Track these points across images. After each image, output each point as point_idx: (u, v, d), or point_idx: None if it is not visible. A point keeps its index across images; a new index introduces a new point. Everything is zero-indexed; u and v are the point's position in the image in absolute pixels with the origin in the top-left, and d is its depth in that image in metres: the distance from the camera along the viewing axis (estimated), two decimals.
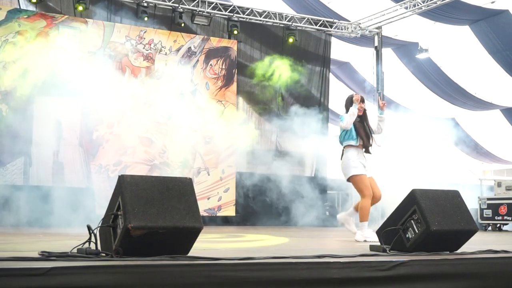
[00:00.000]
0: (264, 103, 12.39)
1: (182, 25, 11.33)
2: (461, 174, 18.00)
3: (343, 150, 6.17)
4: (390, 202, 13.02)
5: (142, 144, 10.90)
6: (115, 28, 10.88)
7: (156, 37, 11.21)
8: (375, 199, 6.08)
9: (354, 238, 5.95)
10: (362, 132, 6.12)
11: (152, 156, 10.96)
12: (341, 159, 6.19)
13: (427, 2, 11.66)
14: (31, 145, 9.95)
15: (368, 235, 5.79)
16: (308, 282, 2.86)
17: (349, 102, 6.22)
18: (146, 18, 10.95)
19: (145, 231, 2.92)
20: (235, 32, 11.84)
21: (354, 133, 6.08)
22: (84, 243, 3.05)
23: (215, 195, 11.46)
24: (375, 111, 6.29)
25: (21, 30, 10.01)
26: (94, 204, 9.82)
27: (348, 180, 6.11)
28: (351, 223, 6.20)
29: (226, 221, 11.43)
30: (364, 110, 6.25)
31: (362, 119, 6.24)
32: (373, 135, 6.25)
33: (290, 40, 12.34)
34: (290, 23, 12.42)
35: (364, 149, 6.14)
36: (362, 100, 6.22)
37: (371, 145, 6.18)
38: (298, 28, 12.57)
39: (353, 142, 6.07)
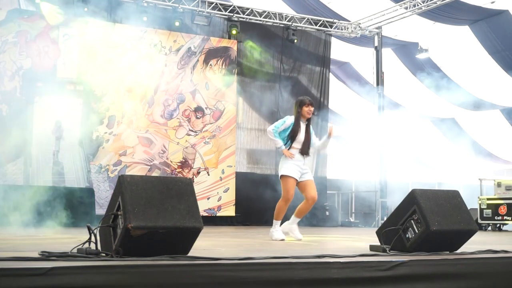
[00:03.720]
0: (264, 103, 12.39)
1: (176, 23, 11.23)
2: (461, 174, 18.00)
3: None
4: (391, 202, 13.03)
5: (142, 144, 10.91)
6: (115, 28, 10.88)
7: (156, 37, 11.21)
8: (310, 201, 6.24)
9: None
10: (304, 137, 6.16)
11: (152, 156, 10.97)
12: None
13: (427, 2, 11.66)
14: (31, 145, 9.95)
15: (276, 234, 6.09)
16: (308, 282, 2.86)
17: (299, 106, 6.20)
18: (145, 19, 10.95)
19: (145, 231, 2.92)
20: (234, 32, 11.82)
21: (289, 139, 6.13)
22: (84, 243, 3.05)
23: (215, 195, 11.46)
24: (324, 135, 6.36)
25: (21, 30, 10.01)
26: (94, 204, 9.83)
27: (280, 177, 6.24)
28: (294, 230, 6.25)
29: (226, 221, 11.43)
30: (311, 115, 6.26)
31: (308, 123, 6.25)
32: (312, 140, 6.26)
33: (295, 41, 12.36)
34: (290, 23, 12.42)
35: (303, 153, 6.18)
36: (312, 104, 6.23)
37: (308, 149, 6.21)
38: (298, 28, 12.58)
39: (288, 146, 6.14)
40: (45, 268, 2.38)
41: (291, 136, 6.11)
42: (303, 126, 6.17)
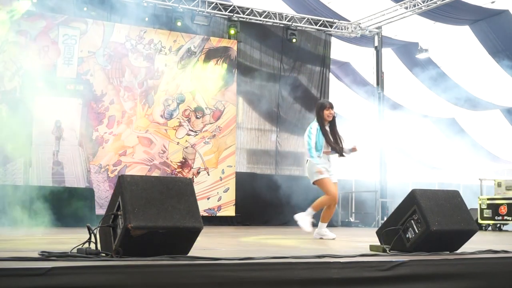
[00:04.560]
0: (264, 103, 12.39)
1: (179, 24, 11.26)
2: (461, 174, 18.00)
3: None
4: (391, 202, 13.01)
5: (142, 144, 10.91)
6: (115, 28, 10.88)
7: (156, 37, 11.21)
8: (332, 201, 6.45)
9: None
10: (330, 139, 6.35)
11: (152, 156, 10.97)
12: (306, 162, 6.47)
13: (427, 2, 11.66)
14: (31, 145, 9.96)
15: (324, 233, 6.29)
16: (308, 282, 2.86)
17: (319, 110, 6.42)
18: (146, 19, 10.96)
19: (145, 231, 2.92)
20: (232, 32, 11.81)
21: (321, 144, 6.30)
22: (84, 243, 3.05)
23: (215, 195, 11.46)
24: (347, 147, 6.47)
25: (21, 30, 10.01)
26: (94, 204, 9.83)
27: (313, 183, 6.44)
28: (325, 232, 6.42)
29: (226, 221, 11.43)
30: (333, 116, 6.44)
31: (331, 125, 6.45)
32: (342, 139, 6.46)
33: (294, 40, 12.36)
34: (290, 23, 12.42)
35: (333, 154, 6.39)
36: (332, 107, 6.39)
37: (340, 149, 6.39)
38: (298, 28, 12.58)
39: (318, 154, 6.31)
40: (45, 268, 2.38)
41: (327, 142, 6.27)
42: (327, 129, 6.37)
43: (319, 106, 6.46)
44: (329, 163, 6.38)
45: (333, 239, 6.26)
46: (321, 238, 6.37)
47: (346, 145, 6.53)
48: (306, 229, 6.24)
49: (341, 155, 6.40)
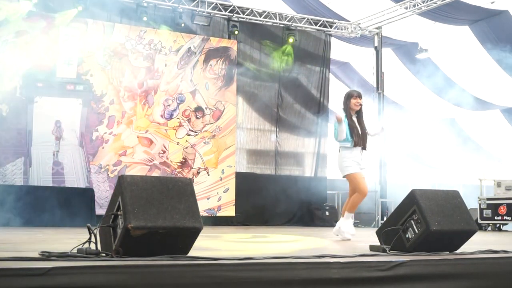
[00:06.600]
0: (264, 103, 12.39)
1: (182, 25, 11.35)
2: (461, 174, 17.99)
3: (339, 147, 6.25)
4: (391, 202, 13.00)
5: (142, 144, 10.91)
6: (115, 28, 10.88)
7: (156, 37, 11.21)
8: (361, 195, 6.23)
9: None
10: (356, 131, 6.15)
11: (152, 156, 10.97)
12: (339, 151, 6.29)
13: (427, 2, 11.66)
14: (31, 145, 9.96)
15: (346, 227, 6.03)
16: (308, 282, 2.86)
17: (347, 99, 6.29)
18: (145, 18, 10.96)
19: (145, 231, 2.92)
20: (236, 33, 11.83)
21: (348, 134, 6.11)
22: (84, 243, 3.05)
23: (215, 195, 11.46)
24: (375, 127, 6.37)
25: (21, 30, 10.01)
26: (94, 204, 9.84)
27: (344, 177, 6.26)
28: (344, 231, 6.12)
29: (226, 221, 11.43)
30: (361, 107, 6.26)
31: (358, 116, 6.26)
32: (367, 133, 6.30)
33: (290, 40, 12.35)
34: (290, 23, 12.42)
35: (360, 147, 6.17)
36: (359, 96, 6.25)
37: (366, 143, 6.24)
38: (298, 28, 12.58)
39: (348, 144, 6.12)
40: (45, 268, 2.38)
41: (351, 133, 6.07)
42: (354, 120, 6.18)
43: (346, 96, 6.31)
44: (360, 156, 6.15)
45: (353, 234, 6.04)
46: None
47: (371, 129, 6.35)
48: (351, 232, 5.96)
49: (363, 148, 6.17)
